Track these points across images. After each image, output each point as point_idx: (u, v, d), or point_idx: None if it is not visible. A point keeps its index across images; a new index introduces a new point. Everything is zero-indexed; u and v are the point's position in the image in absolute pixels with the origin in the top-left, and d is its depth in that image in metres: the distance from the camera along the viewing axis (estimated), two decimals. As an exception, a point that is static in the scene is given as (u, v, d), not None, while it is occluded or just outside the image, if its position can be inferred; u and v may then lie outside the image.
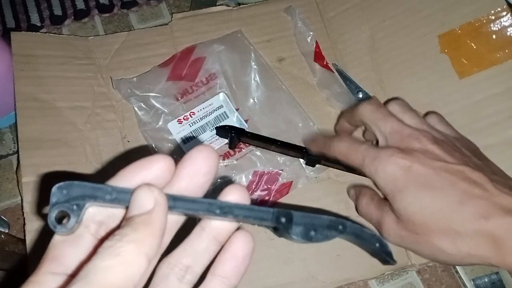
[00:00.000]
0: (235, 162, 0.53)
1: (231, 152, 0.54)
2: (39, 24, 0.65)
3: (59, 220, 0.22)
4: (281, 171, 0.53)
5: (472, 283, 0.52)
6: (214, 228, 0.26)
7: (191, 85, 0.56)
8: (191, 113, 0.55)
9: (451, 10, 0.53)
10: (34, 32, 0.60)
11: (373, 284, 0.52)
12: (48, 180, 0.48)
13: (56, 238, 0.23)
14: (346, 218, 0.27)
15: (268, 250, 0.51)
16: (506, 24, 0.50)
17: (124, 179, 0.24)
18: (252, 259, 0.26)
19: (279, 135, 0.53)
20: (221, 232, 0.26)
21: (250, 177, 0.53)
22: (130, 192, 0.23)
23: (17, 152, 0.52)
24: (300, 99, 0.56)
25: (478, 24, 0.51)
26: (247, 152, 0.54)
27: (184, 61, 0.57)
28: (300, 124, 0.55)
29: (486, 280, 0.52)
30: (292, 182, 0.53)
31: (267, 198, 0.52)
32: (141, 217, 0.22)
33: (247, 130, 0.53)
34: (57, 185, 0.23)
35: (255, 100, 0.56)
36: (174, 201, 0.24)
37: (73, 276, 0.21)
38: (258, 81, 0.56)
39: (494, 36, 0.51)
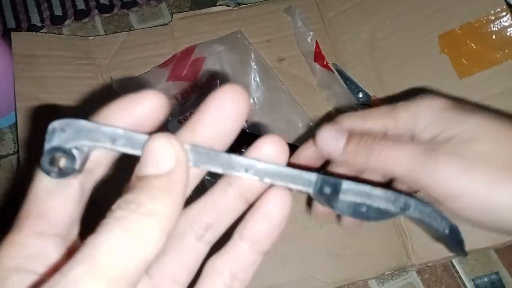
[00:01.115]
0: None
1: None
2: (39, 24, 0.65)
3: (52, 163, 0.19)
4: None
5: (472, 283, 0.52)
6: (243, 184, 0.22)
7: (191, 85, 0.56)
8: (191, 113, 0.55)
9: (451, 10, 0.53)
10: (34, 32, 0.60)
11: (373, 284, 0.52)
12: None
13: (41, 189, 0.19)
14: (410, 194, 0.23)
15: (268, 250, 0.51)
16: (506, 24, 0.50)
17: (106, 120, 0.20)
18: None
19: (279, 135, 0.53)
20: (251, 190, 0.22)
21: (250, 177, 0.53)
22: (146, 140, 0.19)
23: (17, 152, 0.52)
24: (300, 99, 0.56)
25: (478, 25, 0.51)
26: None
27: (184, 61, 0.57)
28: (300, 124, 0.55)
29: (485, 280, 0.52)
30: (292, 182, 0.53)
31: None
32: (160, 180, 0.18)
33: (248, 131, 0.53)
34: (54, 122, 0.19)
35: (255, 100, 0.56)
36: (197, 155, 0.20)
37: (61, 237, 0.19)
38: (258, 81, 0.56)
39: (494, 37, 0.51)
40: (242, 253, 0.22)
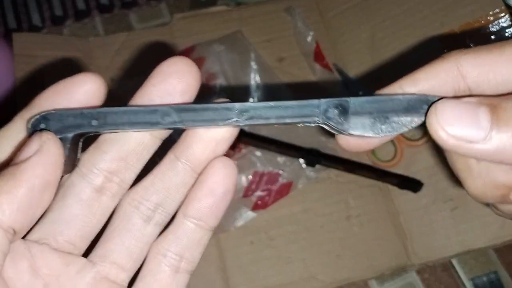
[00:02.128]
0: (235, 162, 0.53)
1: (231, 152, 0.54)
2: (40, 25, 0.65)
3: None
4: (281, 172, 0.53)
5: (471, 282, 0.52)
6: (193, 157, 0.20)
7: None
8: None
9: (451, 11, 0.53)
10: (35, 33, 0.60)
11: (373, 284, 0.53)
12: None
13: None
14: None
15: (268, 250, 0.51)
16: (505, 25, 0.50)
17: (41, 108, 0.19)
18: (229, 199, 0.21)
19: (279, 135, 0.53)
20: (201, 160, 0.21)
21: (250, 177, 0.53)
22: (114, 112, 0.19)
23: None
24: (300, 99, 0.56)
25: (477, 25, 0.51)
26: (247, 153, 0.54)
27: (184, 62, 0.57)
28: (300, 124, 0.55)
29: (484, 279, 0.52)
30: (292, 182, 0.53)
31: (267, 198, 0.53)
32: (9, 169, 0.17)
33: (247, 131, 0.53)
34: (31, 120, 0.19)
35: (255, 100, 0.56)
36: (179, 113, 0.19)
37: None
38: (258, 81, 0.56)
39: (492, 37, 0.51)
40: (187, 232, 0.21)
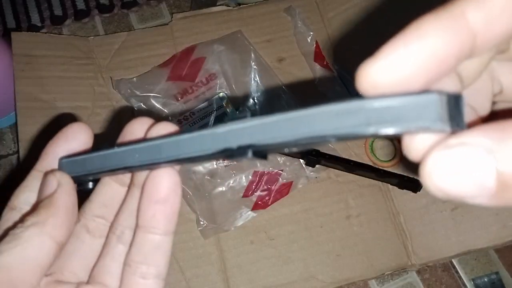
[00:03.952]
0: (235, 162, 0.53)
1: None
2: (39, 24, 0.65)
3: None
4: (281, 171, 0.53)
5: (472, 283, 0.52)
6: (142, 178, 0.23)
7: (191, 85, 0.56)
8: (191, 113, 0.55)
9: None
10: (34, 33, 0.60)
11: (373, 284, 0.52)
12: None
13: None
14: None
15: (268, 250, 0.51)
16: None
17: (49, 158, 0.24)
18: (178, 202, 0.22)
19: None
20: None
21: (250, 177, 0.53)
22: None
23: (17, 152, 0.52)
24: (300, 99, 0.56)
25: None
26: (247, 152, 0.54)
27: (184, 61, 0.57)
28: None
29: (485, 280, 0.52)
30: (292, 182, 0.53)
31: (267, 198, 0.52)
32: (44, 201, 0.22)
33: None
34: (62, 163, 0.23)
35: (255, 100, 0.56)
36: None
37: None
38: (258, 81, 0.56)
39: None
40: (144, 241, 0.23)
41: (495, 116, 0.18)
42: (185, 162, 0.19)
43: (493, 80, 0.17)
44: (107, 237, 0.25)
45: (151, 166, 0.21)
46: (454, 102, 0.14)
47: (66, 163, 0.23)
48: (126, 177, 0.25)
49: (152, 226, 0.22)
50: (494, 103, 0.18)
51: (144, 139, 0.22)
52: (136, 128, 0.23)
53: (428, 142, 0.14)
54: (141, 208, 0.22)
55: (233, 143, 0.17)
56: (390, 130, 0.13)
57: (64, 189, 0.22)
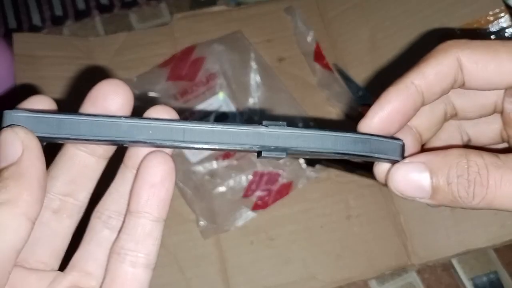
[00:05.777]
0: (235, 162, 0.53)
1: (231, 152, 0.54)
2: (40, 25, 0.65)
3: None
4: (281, 171, 0.53)
5: (471, 282, 0.52)
6: (137, 160, 0.22)
7: (191, 85, 0.56)
8: (190, 113, 0.55)
9: (451, 11, 0.53)
10: (35, 33, 0.60)
11: (373, 284, 0.53)
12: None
13: None
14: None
15: (268, 250, 0.51)
16: (504, 25, 0.50)
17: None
18: (172, 189, 0.22)
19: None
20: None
21: (250, 177, 0.53)
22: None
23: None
24: (300, 99, 0.57)
25: (477, 25, 0.51)
26: (247, 153, 0.54)
27: (184, 61, 0.57)
28: (300, 124, 0.55)
29: (484, 279, 0.52)
30: (292, 182, 0.53)
31: (267, 198, 0.53)
32: (9, 170, 0.18)
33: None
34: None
35: (255, 100, 0.56)
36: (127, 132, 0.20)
37: None
38: (258, 81, 0.56)
39: (492, 37, 0.51)
40: (135, 227, 0.22)
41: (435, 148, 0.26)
42: (212, 149, 0.22)
43: (447, 105, 0.25)
44: (90, 221, 0.23)
45: (167, 146, 0.21)
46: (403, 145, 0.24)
47: (26, 118, 0.19)
48: (100, 147, 0.22)
49: (145, 211, 0.21)
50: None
51: (156, 118, 0.21)
52: (104, 93, 0.21)
53: (386, 168, 0.24)
54: (134, 191, 0.21)
55: (271, 144, 0.21)
56: (382, 156, 0.23)
57: (33, 154, 0.18)
